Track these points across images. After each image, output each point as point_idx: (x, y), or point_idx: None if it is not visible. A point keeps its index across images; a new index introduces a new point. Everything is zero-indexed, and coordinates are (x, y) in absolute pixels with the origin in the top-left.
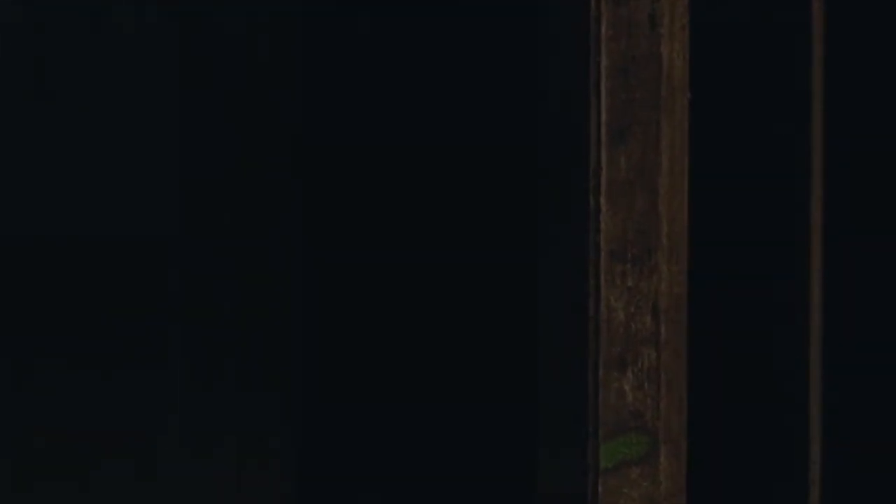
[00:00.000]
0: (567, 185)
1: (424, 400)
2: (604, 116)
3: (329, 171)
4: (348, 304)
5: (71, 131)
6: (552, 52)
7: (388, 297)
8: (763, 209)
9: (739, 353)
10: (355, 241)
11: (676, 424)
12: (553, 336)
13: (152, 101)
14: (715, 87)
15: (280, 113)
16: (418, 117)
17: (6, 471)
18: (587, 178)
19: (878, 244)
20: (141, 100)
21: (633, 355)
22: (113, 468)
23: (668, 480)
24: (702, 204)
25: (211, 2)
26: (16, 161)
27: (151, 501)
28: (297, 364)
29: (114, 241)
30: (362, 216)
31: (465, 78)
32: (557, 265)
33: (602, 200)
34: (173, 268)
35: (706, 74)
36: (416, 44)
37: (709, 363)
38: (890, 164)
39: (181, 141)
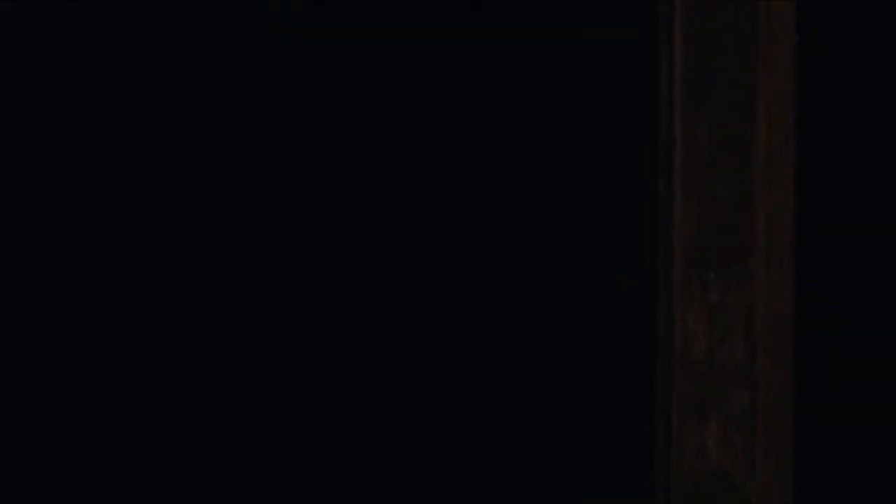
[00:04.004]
0: (630, 166)
1: (451, 447)
2: (678, 70)
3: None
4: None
5: None
6: None
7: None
8: None
9: (867, 394)
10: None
11: (778, 490)
12: (611, 370)
13: None
14: (830, 28)
15: None
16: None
17: None
18: (656, 157)
19: None
20: None
21: (718, 397)
22: None
23: None
24: (812, 189)
25: None
26: None
27: None
28: None
29: None
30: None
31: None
32: (618, 275)
33: (676, 186)
34: None
35: (819, 12)
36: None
37: (819, 406)
38: None
39: None
